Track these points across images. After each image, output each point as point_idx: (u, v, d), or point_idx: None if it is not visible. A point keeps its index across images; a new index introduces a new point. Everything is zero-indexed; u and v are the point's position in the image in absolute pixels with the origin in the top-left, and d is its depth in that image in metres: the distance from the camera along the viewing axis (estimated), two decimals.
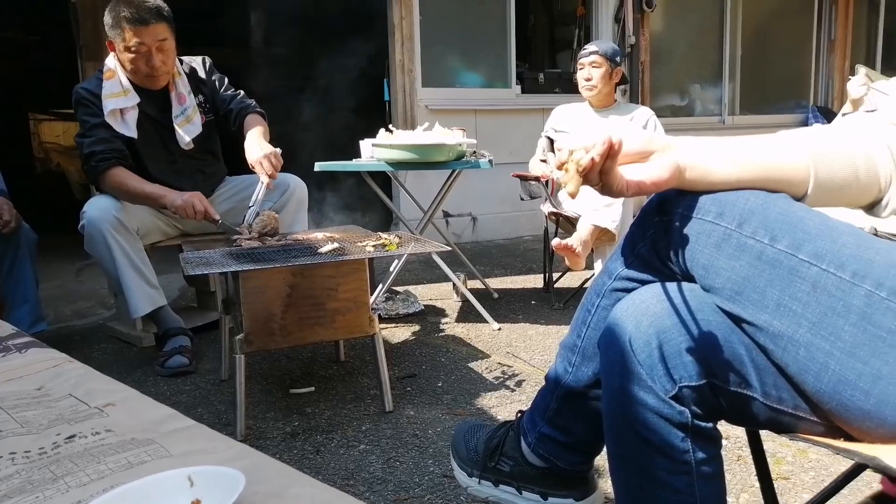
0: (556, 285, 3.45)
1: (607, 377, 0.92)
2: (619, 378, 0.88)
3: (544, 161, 3.28)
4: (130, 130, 2.47)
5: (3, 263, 2.57)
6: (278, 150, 2.40)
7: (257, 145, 2.40)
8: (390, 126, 2.91)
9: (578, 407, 1.08)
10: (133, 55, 2.40)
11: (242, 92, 2.69)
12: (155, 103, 2.54)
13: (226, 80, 2.70)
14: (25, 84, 8.35)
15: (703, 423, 0.86)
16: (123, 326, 2.87)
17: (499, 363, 2.46)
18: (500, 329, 2.86)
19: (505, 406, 2.06)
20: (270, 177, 2.34)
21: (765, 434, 1.00)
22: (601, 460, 1.07)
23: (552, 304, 3.24)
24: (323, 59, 5.92)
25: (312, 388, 2.23)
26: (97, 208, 2.38)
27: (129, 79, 2.48)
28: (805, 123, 6.81)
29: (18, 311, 2.56)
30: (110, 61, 2.50)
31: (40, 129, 10.26)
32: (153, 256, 2.55)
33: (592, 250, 2.83)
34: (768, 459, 1.15)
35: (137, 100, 2.48)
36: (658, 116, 3.27)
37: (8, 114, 8.40)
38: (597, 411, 1.01)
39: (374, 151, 2.87)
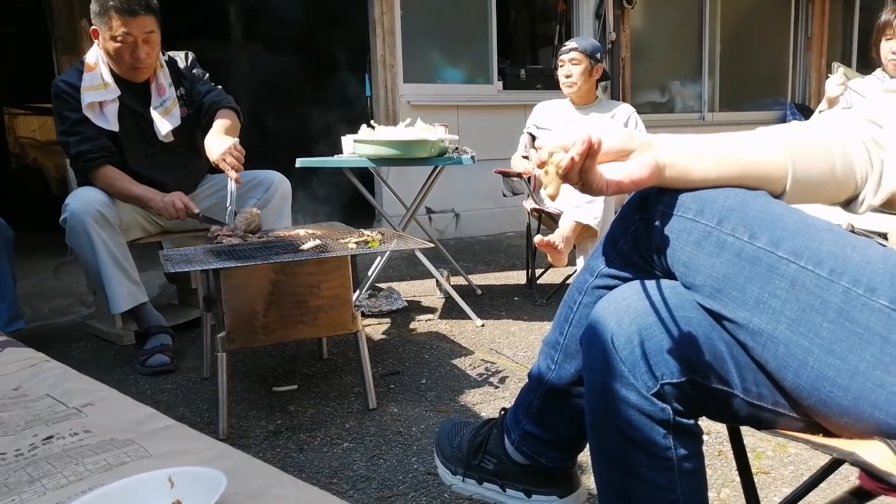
0: (538, 281, 3.46)
1: (589, 374, 0.92)
2: (602, 375, 0.88)
3: (526, 157, 3.29)
4: (110, 124, 2.44)
5: None
6: (237, 141, 2.33)
7: (217, 141, 2.33)
8: (372, 122, 2.90)
9: (561, 404, 1.08)
10: (119, 45, 2.37)
11: (220, 87, 2.66)
12: (136, 96, 2.51)
13: (206, 75, 2.67)
14: (1, 78, 8.21)
15: (684, 420, 0.87)
16: (103, 324, 2.83)
17: (482, 360, 2.47)
18: (483, 325, 2.86)
19: (489, 403, 2.07)
20: (236, 170, 2.29)
21: (745, 429, 1.01)
22: (585, 457, 1.07)
23: (535, 301, 3.25)
24: (304, 53, 5.89)
25: (295, 386, 2.22)
26: (80, 201, 2.35)
27: (111, 71, 2.45)
28: (783, 120, 6.89)
29: None
30: (91, 54, 2.46)
31: (15, 124, 10.10)
32: (134, 253, 2.51)
33: (575, 246, 2.85)
34: (749, 454, 1.16)
35: (118, 93, 2.45)
36: (639, 113, 3.29)
37: None
38: (579, 408, 1.01)
39: (356, 147, 2.86)
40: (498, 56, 5.43)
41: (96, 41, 2.43)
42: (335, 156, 3.03)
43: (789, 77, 7.20)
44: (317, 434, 1.88)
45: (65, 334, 2.93)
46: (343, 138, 3.02)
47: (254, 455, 1.10)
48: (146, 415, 1.01)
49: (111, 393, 1.10)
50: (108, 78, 2.45)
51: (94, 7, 2.36)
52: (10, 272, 2.58)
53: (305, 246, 1.93)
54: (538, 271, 3.49)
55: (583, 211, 2.73)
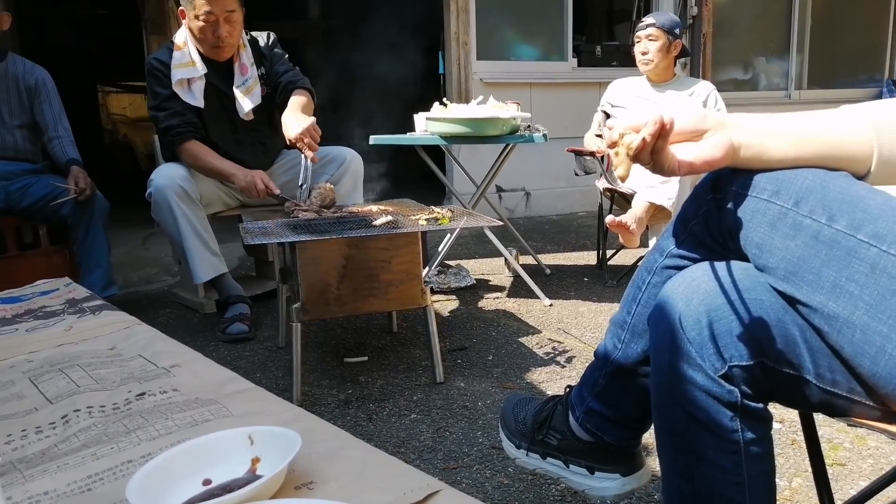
0: (609, 262, 3.42)
1: (656, 354, 0.92)
2: (668, 355, 0.88)
3: (600, 136, 3.24)
4: (196, 100, 2.56)
5: (78, 230, 2.70)
6: (314, 121, 2.39)
7: (294, 120, 2.40)
8: (444, 99, 2.91)
9: (626, 383, 1.08)
10: (202, 24, 2.47)
11: (297, 68, 2.73)
12: (220, 74, 2.61)
13: (286, 56, 2.74)
14: (94, 57, 8.63)
15: (752, 404, 0.86)
16: (187, 293, 2.98)
17: (549, 339, 2.47)
18: (551, 305, 2.86)
19: (555, 381, 2.07)
20: (312, 149, 2.36)
21: (823, 419, 0.99)
22: (650, 439, 1.07)
23: (605, 282, 3.22)
24: (379, 31, 5.94)
25: (366, 358, 2.29)
26: (164, 177, 2.47)
27: (197, 50, 2.55)
28: (878, 98, 6.49)
29: (92, 276, 2.69)
30: (180, 34, 2.58)
31: (108, 102, 10.62)
32: (215, 226, 2.63)
33: (647, 228, 2.80)
34: (825, 445, 1.14)
35: (204, 70, 2.55)
36: (720, 91, 3.18)
37: (78, 87, 8.73)
38: (645, 388, 1.01)
39: (428, 125, 2.88)
40: (573, 33, 5.33)
41: (184, 21, 2.54)
42: (408, 133, 3.06)
43: (887, 51, 6.77)
44: (385, 405, 1.94)
45: (152, 301, 3.11)
46: (415, 116, 3.05)
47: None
48: (227, 377, 1.07)
49: (196, 356, 1.17)
50: (196, 56, 2.55)
51: None
52: (106, 241, 2.75)
53: (377, 221, 1.98)
54: (609, 252, 3.44)
55: (657, 191, 2.68)
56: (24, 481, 0.76)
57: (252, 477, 0.76)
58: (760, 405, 0.87)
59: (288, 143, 2.43)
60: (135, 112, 10.21)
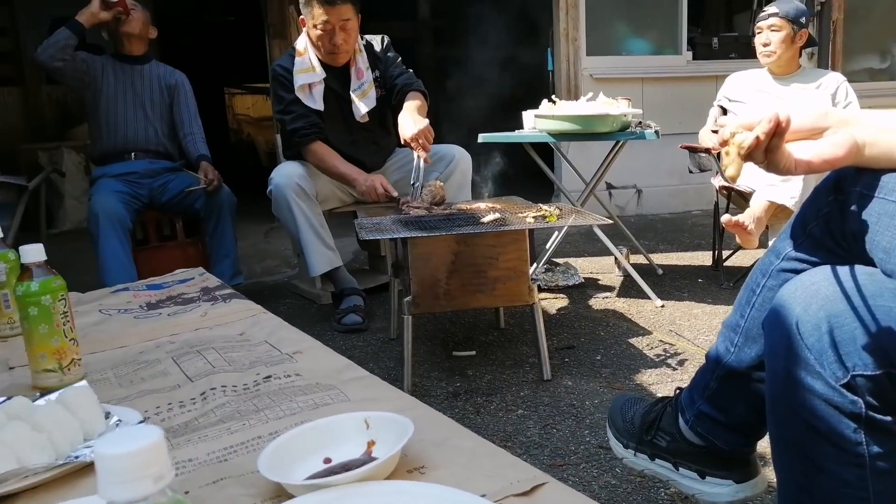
0: (725, 263, 3.29)
1: (771, 360, 0.89)
2: (785, 361, 0.86)
3: (716, 132, 3.11)
4: (317, 104, 2.69)
5: (209, 222, 2.94)
6: (428, 123, 2.46)
7: (411, 120, 2.48)
8: (553, 96, 2.90)
9: (740, 388, 1.05)
10: (319, 32, 2.60)
11: (411, 71, 2.81)
12: (338, 78, 2.74)
13: (399, 58, 2.83)
14: (221, 61, 9.20)
15: (879, 416, 0.82)
16: (305, 284, 3.15)
17: (660, 341, 2.42)
18: (663, 306, 2.79)
19: (665, 384, 2.03)
20: (426, 150, 2.43)
21: None
22: (765, 446, 1.04)
23: (721, 283, 3.10)
24: (487, 29, 5.97)
25: (474, 352, 2.33)
26: (283, 175, 2.63)
27: (316, 56, 2.69)
28: None
29: (221, 265, 2.91)
30: (300, 41, 2.72)
31: (233, 103, 11.30)
32: (330, 221, 2.76)
33: (767, 228, 2.67)
34: None
35: (323, 75, 2.68)
36: (852, 82, 2.98)
37: (207, 89, 9.35)
38: (759, 393, 0.98)
39: (537, 122, 2.88)
40: (688, 24, 5.14)
41: (303, 28, 2.68)
42: (516, 131, 3.08)
43: None
44: (493, 399, 1.97)
45: (273, 291, 3.29)
46: (524, 113, 3.06)
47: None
48: (345, 365, 1.14)
49: (316, 343, 1.25)
50: (315, 62, 2.69)
51: None
52: (233, 233, 2.97)
53: (485, 219, 2.01)
54: (725, 253, 3.31)
55: (778, 190, 2.55)
56: (172, 448, 0.85)
57: (368, 458, 0.81)
58: (888, 418, 0.83)
59: (403, 142, 2.51)
60: (257, 112, 10.81)
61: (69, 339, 1.07)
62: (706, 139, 3.13)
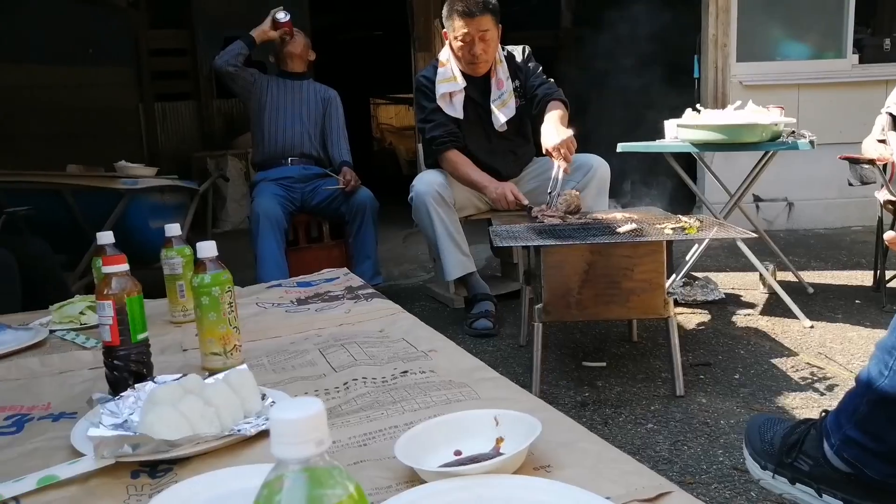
0: (889, 284, 3.02)
1: None
2: None
3: (882, 141, 2.87)
4: (457, 112, 2.79)
5: (353, 225, 3.14)
6: (572, 134, 2.46)
7: (554, 131, 2.50)
8: (697, 105, 2.80)
9: (893, 414, 0.99)
10: (460, 43, 2.69)
11: (552, 80, 2.82)
12: (478, 88, 2.82)
13: (540, 68, 2.86)
14: (369, 73, 9.67)
15: None
16: (439, 288, 3.25)
17: (807, 363, 2.27)
18: (812, 327, 2.61)
19: (810, 408, 1.91)
20: (567, 161, 2.43)
21: None
22: None
23: (882, 306, 2.85)
24: (630, 36, 5.85)
25: (604, 364, 2.31)
26: (424, 183, 2.73)
27: (458, 66, 2.78)
28: None
29: (363, 265, 3.10)
30: (444, 52, 2.83)
31: (378, 113, 11.82)
32: (466, 228, 2.84)
33: None
34: None
35: (464, 84, 2.77)
36: None
37: (354, 100, 9.85)
38: None
39: (679, 132, 2.80)
40: (855, 24, 4.75)
41: (447, 41, 2.78)
42: (657, 140, 3.00)
43: None
44: (622, 411, 1.95)
45: (409, 294, 3.43)
46: (666, 122, 2.98)
47: None
48: (476, 366, 1.18)
49: (449, 343, 1.30)
50: (457, 72, 2.78)
51: (444, 12, 2.74)
52: (375, 236, 3.16)
53: (621, 229, 1.99)
54: (889, 273, 3.04)
55: None
56: None
57: (496, 453, 0.84)
58: None
59: (545, 151, 2.53)
60: (400, 122, 11.25)
61: (233, 326, 1.20)
62: (871, 149, 2.89)
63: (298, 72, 3.32)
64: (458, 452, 0.86)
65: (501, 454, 0.83)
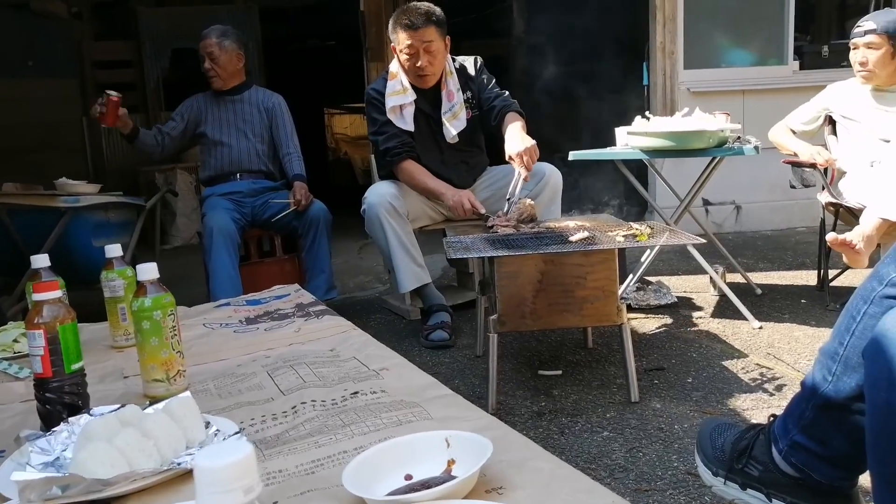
0: (833, 284, 3.11)
1: (872, 392, 0.85)
2: (887, 394, 0.82)
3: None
4: (407, 125, 2.78)
5: (306, 238, 3.08)
6: (534, 144, 2.49)
7: (519, 138, 2.52)
8: (647, 113, 2.85)
9: (837, 419, 1.00)
10: (406, 56, 2.68)
11: (507, 92, 2.84)
12: (428, 100, 2.81)
13: (493, 80, 2.87)
14: (322, 83, 9.59)
15: None
16: (395, 300, 3.22)
17: (757, 364, 2.31)
18: (761, 328, 2.67)
19: (760, 410, 1.94)
20: (527, 169, 2.45)
21: None
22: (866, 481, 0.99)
23: (826, 305, 2.93)
24: (580, 45, 5.93)
25: (560, 372, 2.31)
26: (376, 195, 2.71)
27: (407, 79, 2.77)
28: None
29: (317, 280, 3.05)
30: (393, 65, 2.82)
31: (332, 122, 11.72)
32: (420, 239, 2.82)
33: (879, 247, 2.51)
34: None
35: (414, 97, 2.76)
36: None
37: (308, 109, 9.74)
38: (859, 426, 0.94)
39: (629, 139, 2.84)
40: (796, 32, 4.91)
41: (395, 55, 2.77)
42: (608, 148, 3.04)
43: None
44: (578, 420, 1.95)
45: (365, 306, 3.39)
46: (616, 130, 3.02)
47: (518, 432, 1.20)
48: (429, 383, 1.17)
49: (401, 361, 1.28)
50: (406, 84, 2.77)
51: (390, 25, 2.73)
52: (328, 250, 3.10)
53: (574, 237, 2.00)
54: (832, 272, 3.13)
55: (891, 206, 2.39)
56: (264, 459, 0.90)
57: (448, 477, 0.83)
58: None
59: (507, 157, 2.53)
60: (355, 131, 11.17)
61: (176, 351, 1.16)
62: (786, 141, 2.99)
63: (232, 86, 3.21)
64: (408, 476, 0.84)
65: (454, 476, 0.82)
